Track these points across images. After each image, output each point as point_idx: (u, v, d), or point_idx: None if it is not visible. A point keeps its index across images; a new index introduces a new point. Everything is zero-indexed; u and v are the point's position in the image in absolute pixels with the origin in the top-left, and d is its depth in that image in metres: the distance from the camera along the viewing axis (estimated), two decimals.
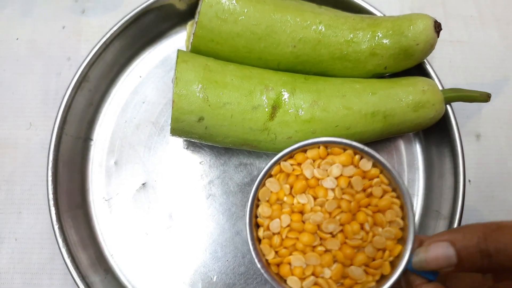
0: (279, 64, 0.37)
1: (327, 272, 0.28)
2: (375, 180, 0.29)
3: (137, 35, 0.42)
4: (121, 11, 0.46)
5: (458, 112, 0.40)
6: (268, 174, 0.30)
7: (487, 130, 0.42)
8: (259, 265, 0.28)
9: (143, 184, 0.39)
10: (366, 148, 0.30)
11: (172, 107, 0.33)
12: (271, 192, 0.30)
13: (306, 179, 0.30)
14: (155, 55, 0.44)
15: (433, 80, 0.38)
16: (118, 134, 0.41)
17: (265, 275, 0.28)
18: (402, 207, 0.29)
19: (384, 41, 0.35)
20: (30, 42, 0.45)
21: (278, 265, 0.29)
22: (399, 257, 0.28)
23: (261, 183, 0.30)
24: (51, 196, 0.35)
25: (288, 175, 0.30)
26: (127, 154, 0.40)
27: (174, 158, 0.40)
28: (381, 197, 0.29)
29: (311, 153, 0.31)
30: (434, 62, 0.44)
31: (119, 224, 0.39)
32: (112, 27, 0.40)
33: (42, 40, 0.45)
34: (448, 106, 0.38)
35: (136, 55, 0.43)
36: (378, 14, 0.40)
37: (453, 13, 0.47)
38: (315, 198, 0.29)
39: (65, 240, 0.34)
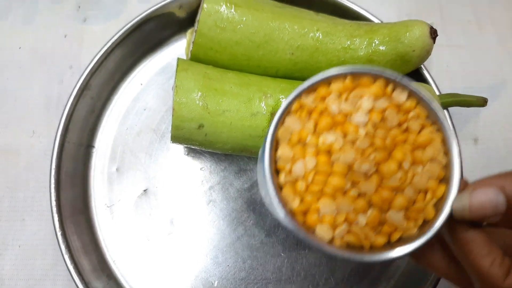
0: (278, 71, 0.38)
1: (362, 219, 0.24)
2: (412, 113, 0.25)
3: (138, 43, 0.43)
4: (122, 19, 0.47)
5: (455, 116, 0.40)
6: (287, 112, 0.26)
7: (484, 134, 0.43)
8: (282, 214, 0.24)
9: (145, 190, 0.40)
10: (399, 77, 0.25)
11: (173, 115, 0.34)
12: (292, 132, 0.25)
13: (332, 115, 0.25)
14: (155, 63, 0.44)
15: (430, 85, 0.38)
16: (119, 141, 0.41)
17: (289, 224, 0.24)
18: (443, 142, 0.25)
19: (381, 47, 0.36)
20: (32, 50, 0.46)
21: (304, 214, 0.25)
22: (442, 199, 0.24)
23: (280, 122, 0.25)
24: (54, 203, 0.36)
25: (310, 112, 0.26)
26: (129, 161, 0.41)
27: (175, 164, 0.41)
28: (419, 132, 0.25)
29: (336, 85, 0.26)
30: (432, 67, 0.45)
31: (121, 230, 0.39)
32: (114, 36, 0.40)
33: (44, 48, 0.46)
34: (445, 111, 0.38)
35: (137, 63, 0.44)
36: (376, 20, 0.41)
37: (451, 18, 0.47)
38: (343, 136, 0.25)
39: (68, 246, 0.35)
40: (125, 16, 0.47)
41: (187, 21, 0.44)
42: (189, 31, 0.42)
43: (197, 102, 0.34)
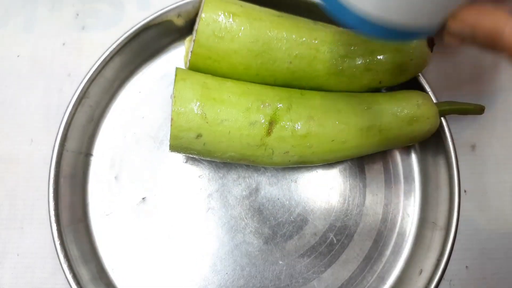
0: (276, 79, 0.38)
1: None
2: None
3: (137, 51, 0.43)
4: (121, 26, 0.47)
5: (453, 123, 0.40)
6: None
7: (482, 141, 0.43)
8: None
9: (143, 198, 0.40)
10: None
11: (171, 125, 0.34)
12: None
13: None
14: (154, 71, 0.44)
15: (428, 93, 0.39)
16: (118, 149, 0.41)
17: None
18: None
19: (379, 56, 0.36)
20: (31, 58, 0.46)
21: None
22: None
23: None
24: (52, 212, 0.36)
25: None
26: (127, 169, 0.41)
27: (174, 172, 0.41)
28: None
29: None
30: (430, 74, 0.44)
31: (119, 239, 0.39)
32: (112, 44, 0.40)
33: (43, 56, 0.46)
34: (442, 118, 0.38)
35: (136, 71, 0.44)
36: None
37: None
38: None
39: (66, 255, 0.35)
40: (123, 24, 0.47)
41: (186, 29, 0.44)
42: (188, 39, 0.43)
43: (196, 112, 0.34)
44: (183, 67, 0.40)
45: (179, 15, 0.43)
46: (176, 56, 0.45)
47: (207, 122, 0.34)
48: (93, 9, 0.48)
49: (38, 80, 0.45)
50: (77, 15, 0.48)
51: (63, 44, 0.46)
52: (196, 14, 0.42)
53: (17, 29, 0.47)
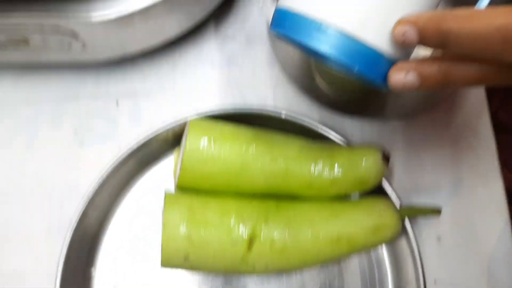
0: (254, 193, 0.43)
1: None
2: None
3: (130, 168, 0.47)
4: (116, 140, 0.51)
5: (418, 216, 0.45)
6: None
7: (446, 232, 0.47)
8: None
9: None
10: None
11: (161, 249, 0.38)
12: None
13: None
14: (146, 182, 0.49)
15: (390, 198, 0.43)
16: (117, 263, 0.45)
17: None
18: None
19: (341, 173, 0.41)
20: (34, 177, 0.50)
21: None
22: None
23: None
24: None
25: None
26: (126, 284, 0.44)
27: (168, 281, 0.44)
28: None
29: None
30: (394, 173, 0.49)
31: None
32: (106, 166, 0.45)
33: (46, 174, 0.50)
34: (406, 218, 0.43)
35: (130, 185, 0.48)
36: (338, 140, 0.45)
37: None
38: None
39: None
40: (118, 138, 0.52)
41: (174, 142, 0.48)
42: (175, 151, 0.48)
43: (183, 235, 0.38)
44: (172, 177, 0.45)
45: (167, 132, 0.48)
46: (166, 167, 0.49)
47: (193, 245, 0.38)
48: (89, 125, 0.53)
49: (42, 198, 0.49)
50: (76, 131, 0.53)
51: (64, 160, 0.51)
52: (183, 131, 0.48)
53: (20, 148, 0.51)
